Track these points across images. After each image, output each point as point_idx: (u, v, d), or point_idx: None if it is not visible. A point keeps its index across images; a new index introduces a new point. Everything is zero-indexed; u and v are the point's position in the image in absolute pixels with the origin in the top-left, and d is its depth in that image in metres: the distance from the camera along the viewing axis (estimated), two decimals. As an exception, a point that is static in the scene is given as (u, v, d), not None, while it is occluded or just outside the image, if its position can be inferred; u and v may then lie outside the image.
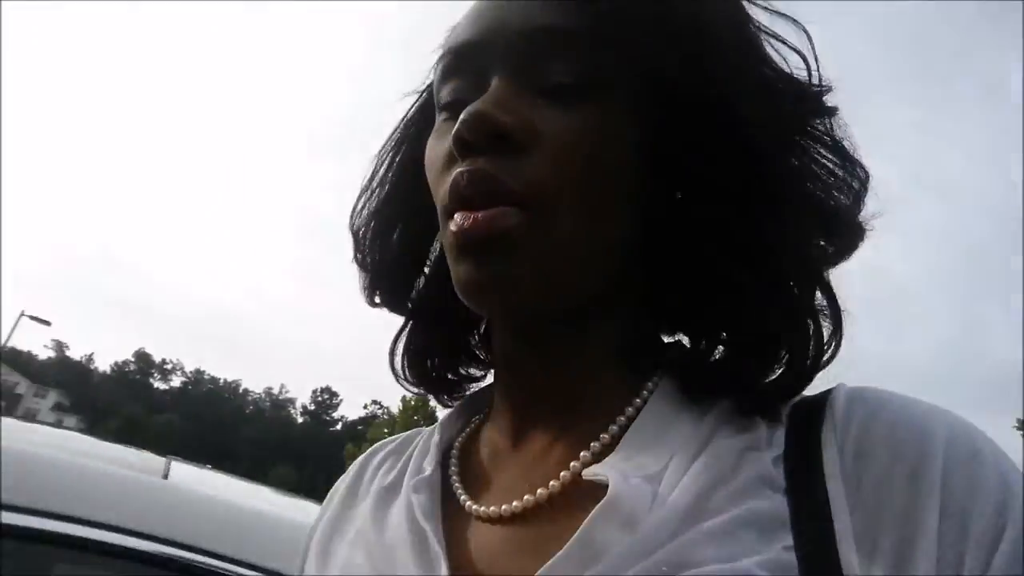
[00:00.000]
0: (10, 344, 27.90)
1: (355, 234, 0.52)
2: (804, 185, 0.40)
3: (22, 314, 24.04)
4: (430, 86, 0.50)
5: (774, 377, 0.38)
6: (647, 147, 0.39)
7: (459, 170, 0.37)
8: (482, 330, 0.52)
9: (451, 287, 0.42)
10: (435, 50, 0.48)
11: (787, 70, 0.41)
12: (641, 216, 0.40)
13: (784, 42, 0.41)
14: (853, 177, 0.41)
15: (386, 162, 0.52)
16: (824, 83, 0.41)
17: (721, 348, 0.40)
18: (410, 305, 0.51)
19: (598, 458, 0.38)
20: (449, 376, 0.52)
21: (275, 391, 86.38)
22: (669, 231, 0.40)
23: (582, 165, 0.37)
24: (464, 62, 0.41)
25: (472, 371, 0.53)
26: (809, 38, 0.40)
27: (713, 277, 0.39)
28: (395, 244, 0.50)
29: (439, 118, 0.44)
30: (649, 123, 0.39)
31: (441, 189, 0.40)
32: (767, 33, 0.41)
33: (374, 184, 0.52)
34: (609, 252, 0.40)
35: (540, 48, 0.39)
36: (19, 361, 60.43)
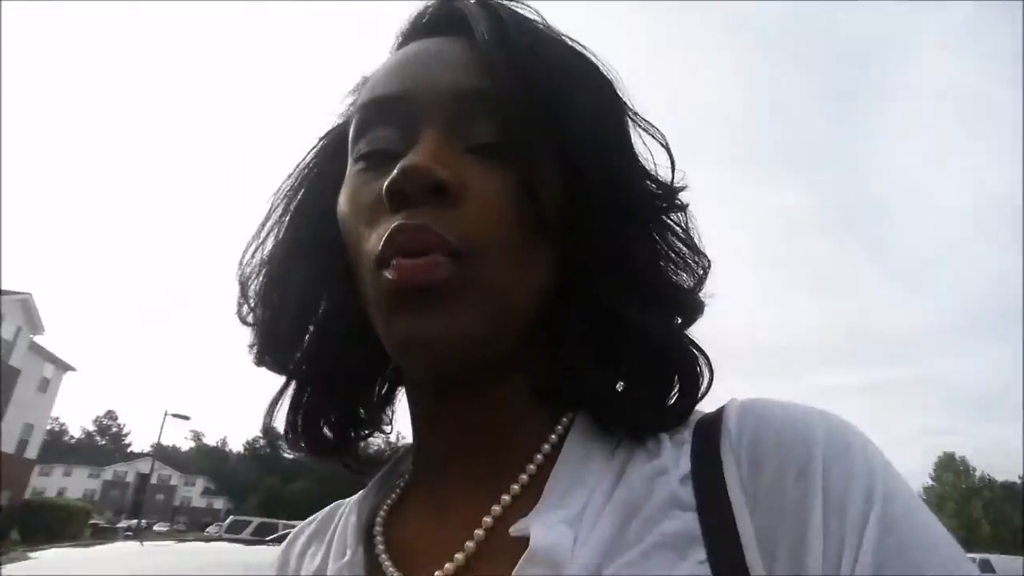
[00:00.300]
0: (160, 441, 31.25)
1: (243, 285, 0.49)
2: (657, 267, 0.44)
3: (166, 414, 26.22)
4: (331, 131, 0.51)
5: (671, 403, 0.42)
6: (559, 205, 0.41)
7: (398, 223, 0.38)
8: (379, 390, 0.52)
9: (345, 344, 0.45)
10: (349, 100, 0.50)
11: (652, 165, 0.45)
12: (557, 263, 0.42)
13: (659, 136, 0.46)
14: (698, 265, 0.46)
15: (280, 208, 0.50)
16: (678, 184, 0.45)
17: (622, 383, 0.43)
18: (300, 365, 0.48)
19: (518, 502, 0.40)
20: (347, 439, 0.51)
21: (393, 439, 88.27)
22: (575, 279, 0.43)
23: (507, 219, 0.39)
24: (388, 114, 0.42)
25: (365, 431, 0.52)
26: (669, 152, 0.45)
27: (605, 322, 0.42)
28: (292, 296, 0.47)
29: (355, 167, 0.43)
30: (558, 184, 0.41)
31: (368, 242, 0.40)
32: (644, 129, 0.46)
33: (267, 229, 0.50)
34: (533, 298, 0.41)
35: (469, 109, 0.41)
36: (168, 455, 65.74)
